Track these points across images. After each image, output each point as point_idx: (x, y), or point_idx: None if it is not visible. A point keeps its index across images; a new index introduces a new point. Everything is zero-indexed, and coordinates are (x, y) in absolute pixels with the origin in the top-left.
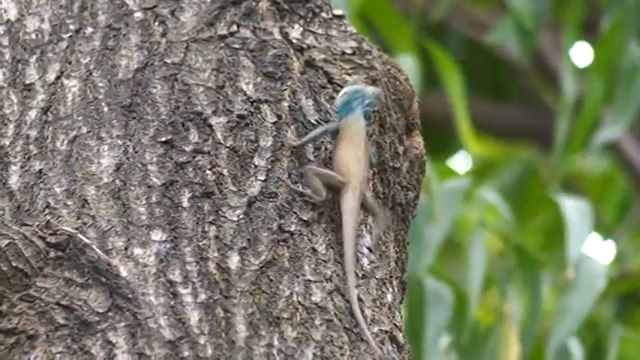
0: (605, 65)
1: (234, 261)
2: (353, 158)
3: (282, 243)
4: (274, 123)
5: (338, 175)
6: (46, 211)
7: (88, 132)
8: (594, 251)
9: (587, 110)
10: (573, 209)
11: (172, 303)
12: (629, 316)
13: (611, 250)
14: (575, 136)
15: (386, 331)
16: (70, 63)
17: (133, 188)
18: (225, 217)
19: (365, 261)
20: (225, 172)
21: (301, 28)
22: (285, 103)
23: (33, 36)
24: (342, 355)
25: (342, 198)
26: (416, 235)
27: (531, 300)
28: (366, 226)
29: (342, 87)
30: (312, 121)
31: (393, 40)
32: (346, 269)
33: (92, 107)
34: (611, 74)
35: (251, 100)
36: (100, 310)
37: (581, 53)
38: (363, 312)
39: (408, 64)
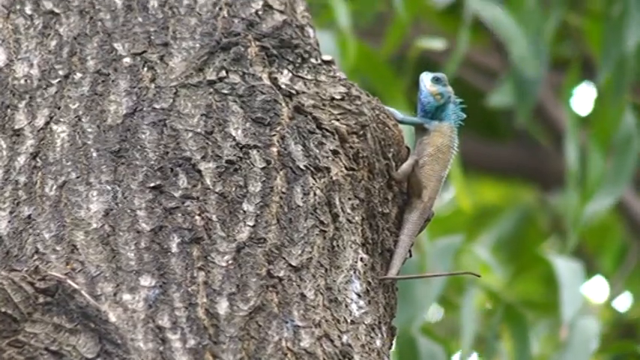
0: (602, 139)
1: (223, 306)
2: (437, 181)
3: (270, 288)
4: (263, 168)
5: (421, 190)
6: (35, 256)
7: (77, 177)
8: (592, 295)
9: (589, 186)
10: (566, 269)
11: (161, 348)
12: None
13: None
14: (579, 212)
15: None
16: (59, 108)
17: (122, 234)
18: (214, 263)
19: (354, 307)
20: (214, 217)
21: (290, 74)
22: (274, 149)
23: (22, 81)
24: None
25: (409, 211)
26: (407, 292)
27: (520, 357)
28: (355, 272)
29: (330, 132)
30: (301, 166)
31: (386, 95)
32: (393, 263)
33: (81, 153)
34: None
35: (240, 145)
36: (89, 356)
37: (581, 101)
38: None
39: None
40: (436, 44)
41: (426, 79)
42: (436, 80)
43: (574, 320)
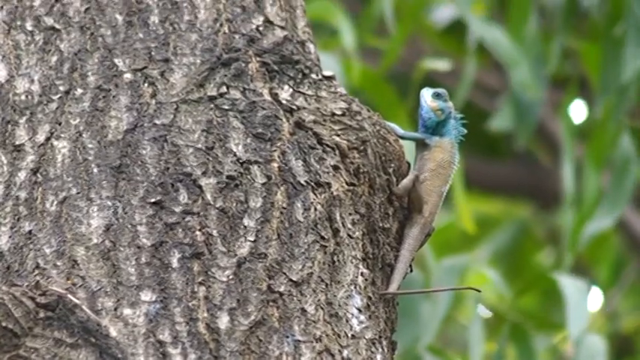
0: (598, 160)
1: (223, 321)
2: (438, 196)
3: (271, 303)
4: (264, 184)
5: (421, 205)
6: (36, 271)
7: (78, 193)
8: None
9: (585, 208)
10: (572, 287)
11: None
12: None
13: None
14: (574, 231)
15: None
16: (59, 124)
17: (122, 249)
18: (215, 278)
19: (354, 322)
20: (214, 232)
21: (291, 89)
22: (275, 164)
23: (23, 97)
24: None
25: (410, 227)
26: (412, 311)
27: None
28: (356, 287)
29: (331, 148)
30: (302, 182)
31: (390, 115)
32: (394, 278)
33: (82, 168)
34: (604, 166)
35: (241, 161)
36: None
37: (577, 113)
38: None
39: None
40: (441, 65)
41: (426, 94)
42: (437, 96)
43: (580, 338)
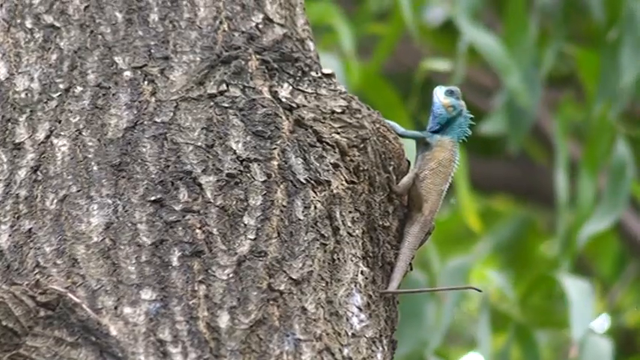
0: (593, 165)
1: (224, 320)
2: (438, 195)
3: (271, 302)
4: (264, 182)
5: (421, 203)
6: (36, 270)
7: (78, 191)
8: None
9: (582, 211)
10: (576, 288)
11: None
12: None
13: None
14: (571, 234)
15: None
16: (59, 122)
17: (122, 247)
18: (215, 276)
19: (355, 320)
20: (214, 231)
21: (290, 87)
22: (275, 162)
23: (22, 95)
24: None
25: (410, 224)
26: (416, 312)
27: None
28: (356, 285)
29: (331, 146)
30: (302, 180)
31: (390, 117)
32: (394, 276)
33: (82, 166)
34: (598, 171)
35: (240, 158)
36: None
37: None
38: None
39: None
40: (440, 65)
41: (439, 91)
42: (449, 93)
43: (584, 339)
